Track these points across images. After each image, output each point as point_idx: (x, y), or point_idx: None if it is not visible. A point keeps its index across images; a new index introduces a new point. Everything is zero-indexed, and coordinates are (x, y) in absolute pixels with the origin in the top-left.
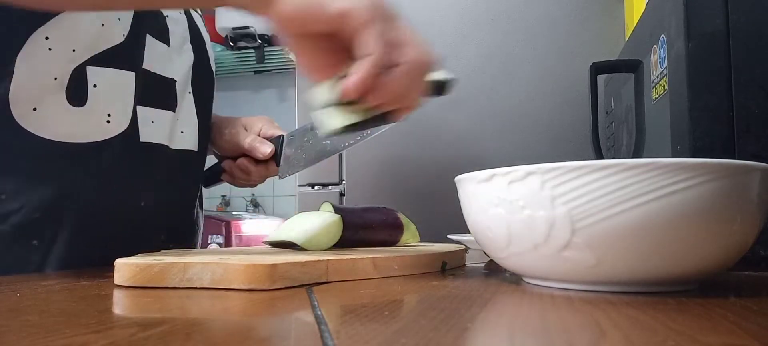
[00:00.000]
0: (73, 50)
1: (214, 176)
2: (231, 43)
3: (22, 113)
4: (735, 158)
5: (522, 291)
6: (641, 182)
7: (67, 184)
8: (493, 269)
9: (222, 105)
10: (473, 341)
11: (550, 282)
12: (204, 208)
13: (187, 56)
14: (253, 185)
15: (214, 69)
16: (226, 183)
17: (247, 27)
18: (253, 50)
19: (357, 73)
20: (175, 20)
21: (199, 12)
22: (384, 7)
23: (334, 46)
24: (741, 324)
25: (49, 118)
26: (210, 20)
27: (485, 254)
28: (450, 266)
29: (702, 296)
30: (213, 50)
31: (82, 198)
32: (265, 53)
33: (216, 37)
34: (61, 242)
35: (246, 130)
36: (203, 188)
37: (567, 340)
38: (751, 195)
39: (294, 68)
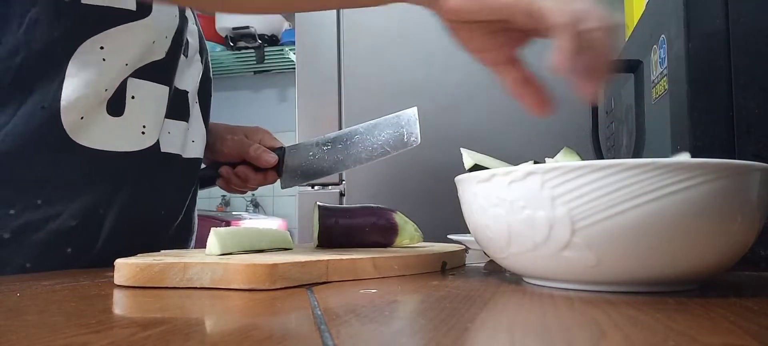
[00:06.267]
0: (126, 64)
1: (209, 181)
2: (231, 43)
3: (69, 122)
4: (735, 158)
5: (522, 291)
6: (641, 182)
7: (105, 193)
8: (493, 269)
9: (222, 105)
10: (473, 341)
11: (550, 282)
12: (203, 208)
13: (197, 66)
14: (245, 192)
15: (211, 76)
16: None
17: (247, 27)
18: (253, 50)
19: (559, 53)
20: (192, 32)
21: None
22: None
23: (499, 27)
24: (741, 324)
25: (92, 127)
26: (210, 20)
27: (485, 254)
28: (450, 266)
29: (702, 296)
30: (212, 51)
31: (117, 208)
32: (265, 53)
33: (216, 37)
34: (94, 250)
35: (247, 138)
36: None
37: (567, 340)
38: (751, 195)
39: (294, 68)
